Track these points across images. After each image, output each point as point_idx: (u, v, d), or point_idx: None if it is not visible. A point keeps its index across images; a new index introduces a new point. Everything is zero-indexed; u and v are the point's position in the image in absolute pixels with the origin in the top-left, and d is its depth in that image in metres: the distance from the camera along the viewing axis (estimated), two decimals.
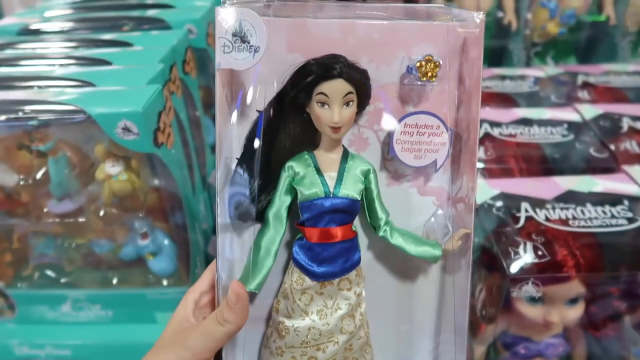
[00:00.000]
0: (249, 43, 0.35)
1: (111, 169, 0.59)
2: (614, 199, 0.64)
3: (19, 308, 0.68)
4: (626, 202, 0.63)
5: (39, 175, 0.61)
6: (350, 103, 0.37)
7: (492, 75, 1.01)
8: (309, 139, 0.40)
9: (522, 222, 0.60)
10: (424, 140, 0.39)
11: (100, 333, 0.67)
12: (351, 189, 0.39)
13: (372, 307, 0.42)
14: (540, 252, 0.56)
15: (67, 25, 0.84)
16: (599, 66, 1.05)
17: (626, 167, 0.72)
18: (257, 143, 0.38)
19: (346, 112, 0.37)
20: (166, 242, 0.65)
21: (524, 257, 0.56)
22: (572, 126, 0.82)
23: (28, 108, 0.56)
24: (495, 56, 1.23)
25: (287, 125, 0.39)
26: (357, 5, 0.38)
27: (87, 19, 0.86)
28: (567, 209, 0.62)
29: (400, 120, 0.39)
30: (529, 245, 0.57)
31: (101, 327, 0.67)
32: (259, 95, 0.38)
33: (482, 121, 0.82)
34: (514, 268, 0.55)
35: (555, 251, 0.57)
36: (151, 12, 0.87)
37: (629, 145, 0.77)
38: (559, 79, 1.00)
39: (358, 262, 0.40)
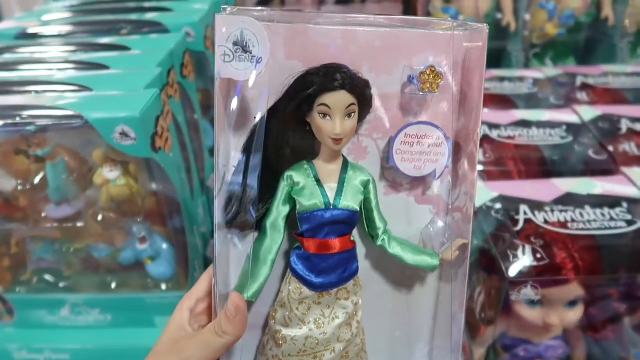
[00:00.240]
0: (251, 53, 0.35)
1: (109, 173, 0.58)
2: (612, 201, 0.64)
3: (18, 312, 0.68)
4: (625, 205, 0.63)
5: (36, 180, 0.61)
6: (352, 114, 0.37)
7: (491, 77, 1.01)
8: (308, 148, 0.39)
9: (521, 224, 0.60)
10: (424, 151, 0.39)
11: (99, 337, 0.67)
12: (351, 201, 0.38)
13: (369, 314, 0.42)
14: (539, 255, 0.56)
15: (66, 29, 0.83)
16: (598, 67, 1.05)
17: (625, 169, 0.72)
18: (255, 151, 0.37)
19: (348, 124, 0.36)
20: (165, 246, 0.65)
21: (523, 260, 0.56)
22: (570, 128, 0.82)
23: (25, 113, 0.56)
24: (494, 57, 1.23)
25: (287, 134, 0.39)
26: (358, 15, 0.38)
27: (85, 22, 0.86)
28: (565, 211, 0.62)
29: (400, 130, 0.39)
30: (528, 248, 0.57)
31: (100, 332, 0.67)
32: (257, 104, 0.38)
33: (481, 123, 0.82)
34: (513, 271, 0.55)
35: (554, 254, 0.57)
36: (149, 16, 0.87)
37: (628, 147, 0.77)
38: (558, 80, 1.00)
39: (356, 272, 0.40)
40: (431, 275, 0.42)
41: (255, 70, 0.35)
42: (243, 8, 0.35)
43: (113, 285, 0.67)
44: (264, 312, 0.41)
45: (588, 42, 1.23)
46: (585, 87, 0.97)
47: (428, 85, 0.37)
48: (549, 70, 1.04)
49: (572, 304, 0.58)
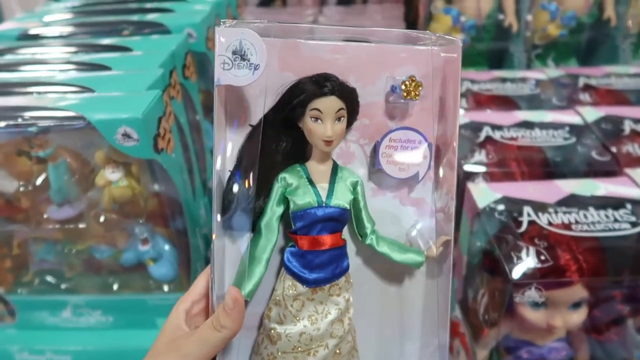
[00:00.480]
0: (249, 61, 0.37)
1: (111, 175, 0.58)
2: (616, 203, 0.64)
3: (19, 314, 0.68)
4: (629, 206, 0.63)
5: (38, 181, 0.61)
6: (342, 118, 0.40)
7: (493, 78, 1.00)
8: (300, 151, 0.42)
9: (524, 226, 0.60)
10: (407, 154, 0.42)
11: (101, 339, 0.67)
12: (342, 199, 0.41)
13: (359, 312, 0.43)
14: (542, 257, 0.56)
15: (67, 30, 0.84)
16: (600, 68, 1.05)
17: (628, 170, 0.72)
18: (251, 155, 0.39)
19: (338, 127, 0.39)
20: (167, 247, 0.65)
21: (527, 262, 0.55)
22: (573, 129, 0.81)
23: (27, 114, 0.56)
24: (496, 58, 1.23)
25: (280, 139, 0.41)
26: (347, 28, 0.41)
27: (87, 23, 0.86)
28: (569, 213, 0.62)
29: (385, 135, 0.42)
30: (532, 250, 0.57)
31: (102, 333, 0.67)
32: (254, 110, 0.41)
33: (484, 124, 0.82)
34: (517, 273, 0.55)
35: (558, 256, 0.56)
36: (151, 17, 0.87)
37: (631, 148, 0.77)
38: (560, 81, 1.00)
39: (347, 268, 0.42)
40: (418, 272, 0.45)
41: (253, 76, 0.38)
42: (241, 21, 0.39)
43: (115, 287, 0.67)
44: (258, 312, 0.43)
45: (590, 43, 1.22)
46: (587, 88, 0.97)
47: (409, 94, 0.40)
48: (551, 71, 1.04)
49: (576, 306, 0.58)
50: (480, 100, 0.94)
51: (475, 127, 0.81)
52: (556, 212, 0.62)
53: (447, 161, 0.43)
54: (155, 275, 0.65)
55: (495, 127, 0.82)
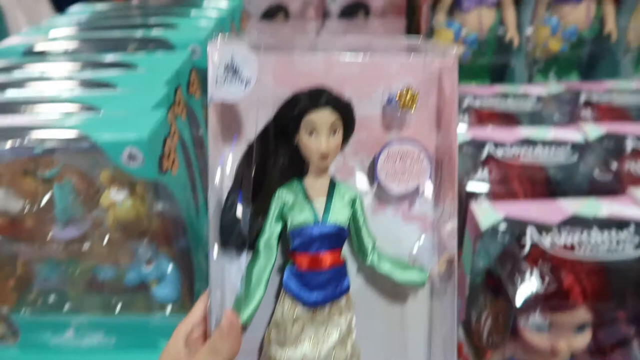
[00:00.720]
0: (240, 76, 0.37)
1: (116, 195, 0.58)
2: (619, 224, 0.64)
3: (22, 334, 0.68)
4: (632, 227, 0.63)
5: (43, 201, 0.61)
6: (337, 131, 0.39)
7: (495, 94, 1.01)
8: (297, 167, 0.41)
9: (527, 248, 0.60)
10: (406, 167, 0.41)
11: None
12: (339, 216, 0.40)
13: (361, 333, 0.42)
14: (546, 280, 0.56)
15: (73, 45, 0.84)
16: (602, 84, 1.05)
17: (631, 190, 0.72)
18: (248, 173, 0.39)
19: (333, 141, 0.39)
20: (170, 268, 0.65)
21: (530, 286, 0.55)
22: (575, 147, 0.81)
23: (33, 134, 0.56)
24: (498, 72, 1.24)
25: (277, 155, 0.41)
26: (341, 38, 0.41)
27: (92, 39, 0.87)
28: (572, 234, 0.62)
29: (383, 149, 0.41)
30: (535, 273, 0.57)
31: (104, 354, 0.67)
32: (249, 127, 0.40)
33: (486, 141, 0.82)
34: (520, 298, 0.54)
35: (562, 278, 0.56)
36: (155, 32, 0.87)
37: (633, 166, 0.77)
38: (562, 97, 1.00)
39: (347, 288, 0.41)
40: (422, 292, 0.43)
41: (245, 91, 0.37)
42: (235, 37, 0.39)
43: (118, 307, 0.67)
44: (258, 337, 0.42)
45: (591, 57, 1.23)
46: (588, 104, 0.97)
47: (406, 105, 0.40)
48: (553, 87, 1.04)
49: (580, 328, 0.58)
50: (481, 117, 0.94)
51: (477, 144, 0.82)
52: (559, 234, 0.62)
53: (447, 173, 0.42)
54: (158, 296, 0.65)
55: (498, 144, 0.82)
